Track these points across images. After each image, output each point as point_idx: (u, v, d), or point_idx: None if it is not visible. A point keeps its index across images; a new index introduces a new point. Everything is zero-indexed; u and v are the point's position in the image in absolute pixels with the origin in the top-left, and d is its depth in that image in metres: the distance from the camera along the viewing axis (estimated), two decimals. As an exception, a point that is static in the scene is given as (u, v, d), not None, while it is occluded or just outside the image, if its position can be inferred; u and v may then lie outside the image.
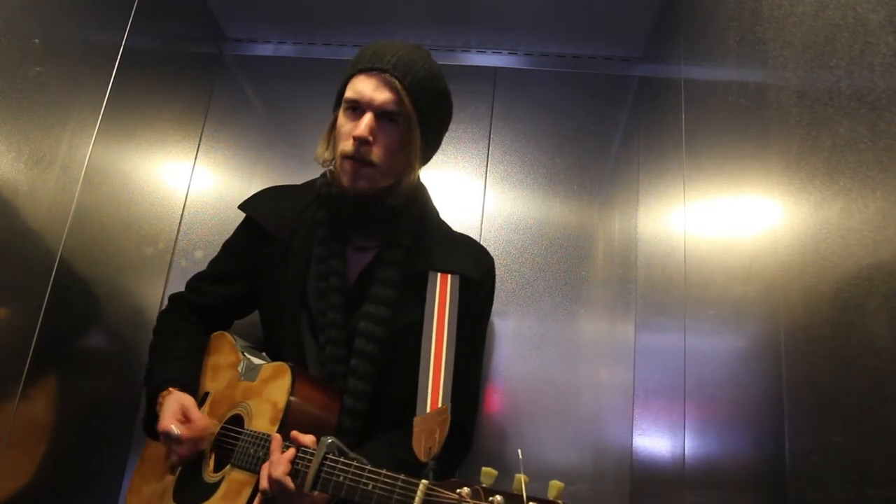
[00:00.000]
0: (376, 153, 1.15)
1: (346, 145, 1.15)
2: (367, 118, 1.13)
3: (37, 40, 1.19)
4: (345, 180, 1.18)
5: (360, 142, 1.13)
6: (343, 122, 1.18)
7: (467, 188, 1.75)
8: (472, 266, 1.27)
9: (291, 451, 0.99)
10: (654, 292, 1.49)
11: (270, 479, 0.97)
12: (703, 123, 1.22)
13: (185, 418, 1.15)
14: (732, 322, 0.99)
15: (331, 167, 1.23)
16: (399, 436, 1.12)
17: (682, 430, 1.16)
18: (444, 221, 1.38)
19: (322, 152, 1.23)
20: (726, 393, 0.99)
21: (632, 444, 1.52)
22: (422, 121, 1.17)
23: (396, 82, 1.13)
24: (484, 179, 1.76)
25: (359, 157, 1.14)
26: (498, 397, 1.59)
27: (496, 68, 1.86)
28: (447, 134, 1.30)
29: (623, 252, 1.68)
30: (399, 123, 1.16)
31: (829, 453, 0.67)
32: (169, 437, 1.13)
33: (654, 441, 1.37)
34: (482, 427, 1.56)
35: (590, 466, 1.53)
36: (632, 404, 1.55)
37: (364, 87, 1.14)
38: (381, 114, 1.14)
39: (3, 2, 1.12)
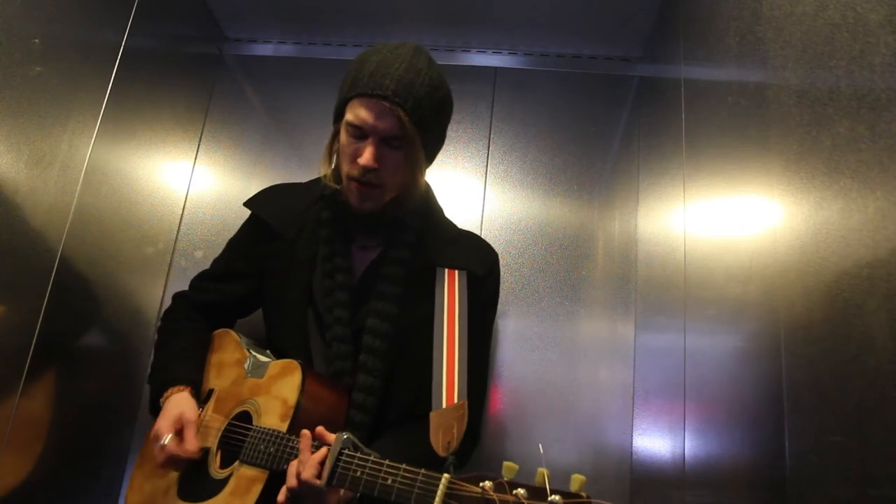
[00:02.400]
0: (382, 176, 1.15)
1: (353, 169, 1.15)
2: (371, 148, 1.12)
3: (37, 40, 1.19)
4: (353, 200, 1.19)
5: (365, 170, 1.13)
6: (346, 142, 1.16)
7: (467, 188, 1.75)
8: (478, 262, 1.28)
9: (322, 452, 0.98)
10: (654, 292, 1.49)
11: (300, 480, 0.97)
12: (703, 123, 1.21)
13: (180, 434, 1.14)
14: (732, 322, 0.99)
15: (338, 187, 1.22)
16: (411, 433, 1.13)
17: (682, 430, 1.16)
18: (447, 218, 1.39)
19: (326, 169, 1.22)
20: (726, 393, 0.99)
21: (632, 444, 1.52)
22: (424, 137, 1.16)
23: (399, 110, 1.10)
24: (484, 179, 1.76)
25: (365, 182, 1.15)
26: (498, 397, 1.59)
27: (496, 68, 1.86)
28: (447, 134, 1.30)
29: (623, 252, 1.68)
30: (403, 144, 1.15)
31: (829, 453, 0.67)
32: (157, 442, 1.13)
33: (654, 441, 1.37)
34: (482, 427, 1.56)
35: (590, 466, 1.53)
36: (632, 404, 1.55)
37: (365, 115, 1.12)
38: (384, 139, 1.13)
39: (3, 2, 1.12)
